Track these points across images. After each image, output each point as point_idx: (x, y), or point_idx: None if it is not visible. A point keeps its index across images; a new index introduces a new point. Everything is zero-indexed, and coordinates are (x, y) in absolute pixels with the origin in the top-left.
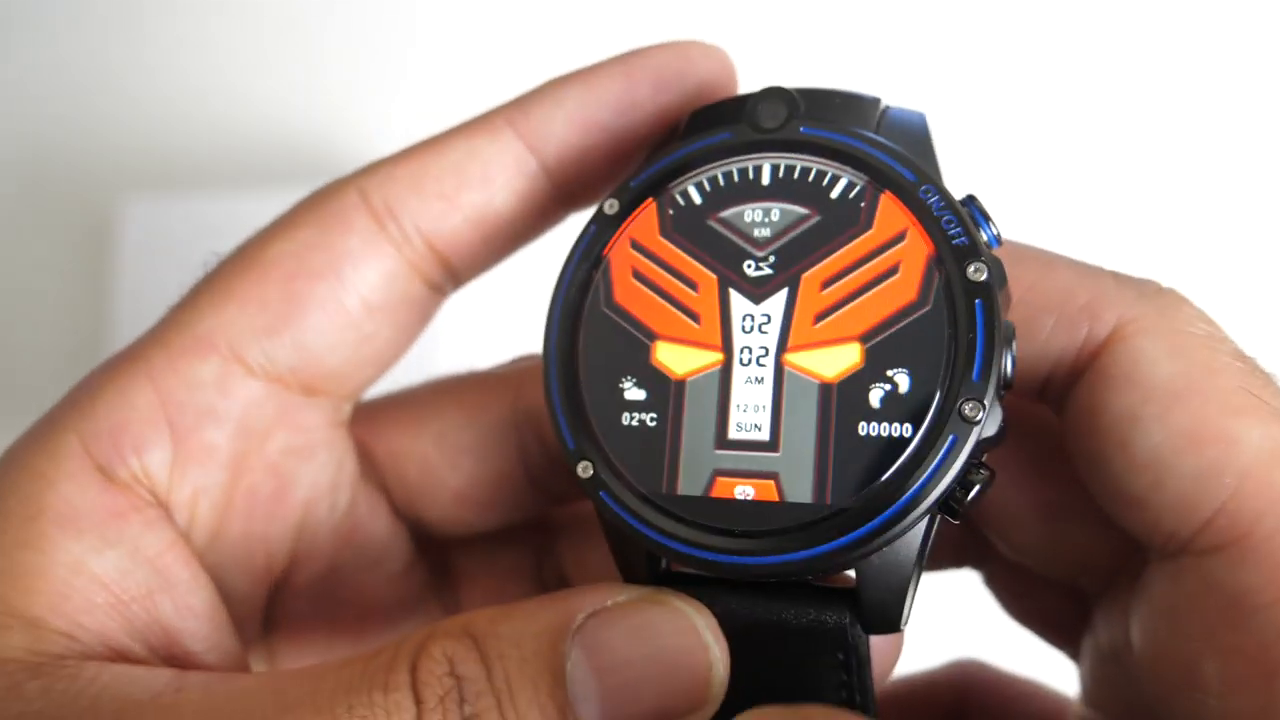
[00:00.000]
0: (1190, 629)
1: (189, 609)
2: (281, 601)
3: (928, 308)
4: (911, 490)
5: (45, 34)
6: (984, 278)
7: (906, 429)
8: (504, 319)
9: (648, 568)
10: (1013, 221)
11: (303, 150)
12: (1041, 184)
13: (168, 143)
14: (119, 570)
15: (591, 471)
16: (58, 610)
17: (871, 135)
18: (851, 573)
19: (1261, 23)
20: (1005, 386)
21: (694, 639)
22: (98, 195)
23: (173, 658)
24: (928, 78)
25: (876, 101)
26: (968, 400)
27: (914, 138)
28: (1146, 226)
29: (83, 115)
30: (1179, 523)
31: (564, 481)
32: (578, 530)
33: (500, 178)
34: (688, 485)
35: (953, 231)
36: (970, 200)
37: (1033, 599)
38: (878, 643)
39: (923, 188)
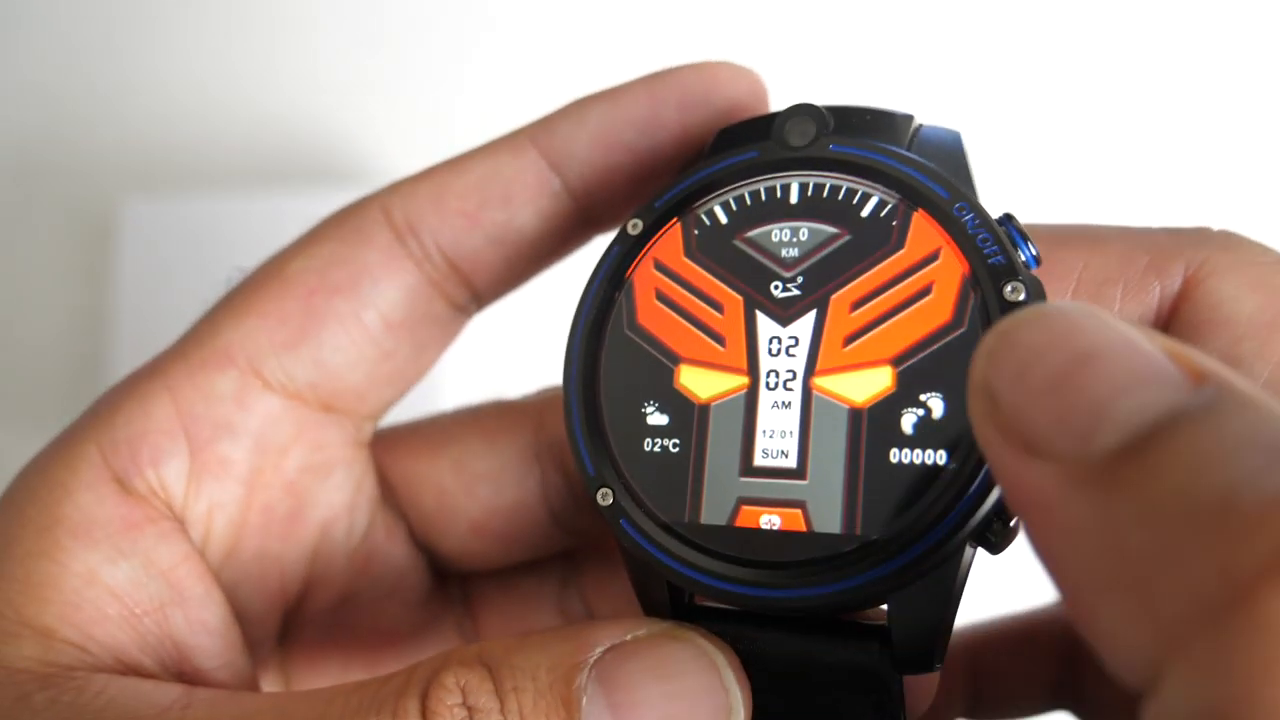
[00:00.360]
0: None
1: (201, 624)
2: (296, 625)
3: (963, 329)
4: (947, 521)
5: (44, 34)
6: (1021, 298)
7: (941, 456)
8: (516, 348)
9: (670, 600)
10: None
11: (303, 150)
12: (1070, 196)
13: (168, 143)
14: (132, 582)
15: (611, 499)
16: (69, 621)
17: (903, 152)
18: (884, 607)
19: None
20: None
21: (714, 679)
22: (98, 195)
23: (183, 674)
24: (958, 94)
25: (909, 118)
26: None
27: (948, 155)
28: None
29: (83, 115)
30: None
31: (586, 518)
32: (601, 560)
33: (522, 196)
34: (711, 514)
35: (989, 250)
36: (1007, 219)
37: None
38: (912, 679)
39: (957, 205)
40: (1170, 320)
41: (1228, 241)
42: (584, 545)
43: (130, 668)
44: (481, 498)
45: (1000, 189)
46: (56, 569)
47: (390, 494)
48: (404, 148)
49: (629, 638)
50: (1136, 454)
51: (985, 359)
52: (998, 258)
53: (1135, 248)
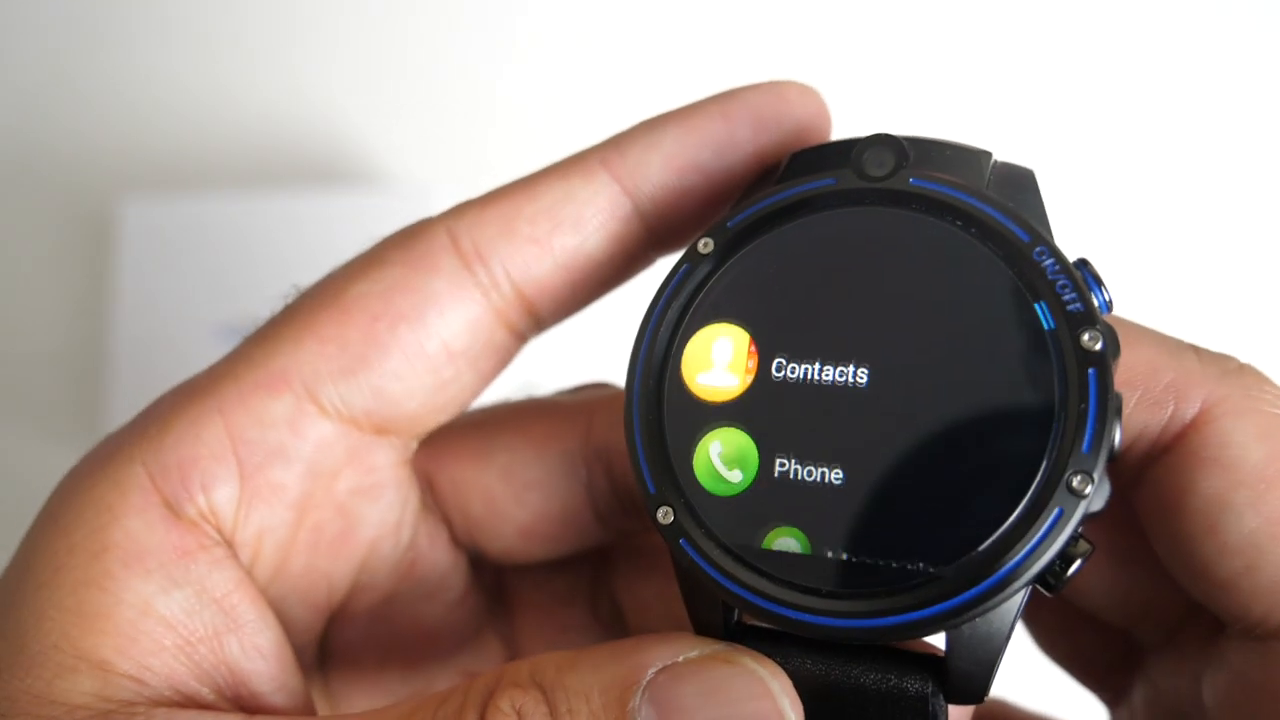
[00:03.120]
0: None
1: (256, 649)
2: (337, 629)
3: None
4: (1012, 563)
5: (44, 34)
6: (1099, 347)
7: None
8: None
9: (722, 618)
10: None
11: (302, 150)
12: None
13: (167, 143)
14: (186, 611)
15: (672, 518)
16: (125, 653)
17: (984, 191)
18: (937, 639)
19: None
20: (1112, 459)
21: (769, 705)
22: (97, 195)
23: (240, 699)
24: (980, 118)
25: (988, 155)
26: (1077, 473)
27: (1024, 195)
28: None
29: (82, 115)
30: (1272, 608)
31: (632, 520)
32: (632, 558)
33: (594, 221)
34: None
35: (1067, 297)
36: (1083, 264)
37: (1077, 639)
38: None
39: (1036, 249)
40: (1174, 446)
41: (1249, 382)
42: (617, 543)
43: (189, 699)
44: (530, 504)
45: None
46: (110, 599)
47: (435, 498)
48: (405, 148)
49: (682, 659)
50: None
51: None
52: (1076, 305)
53: (1163, 361)
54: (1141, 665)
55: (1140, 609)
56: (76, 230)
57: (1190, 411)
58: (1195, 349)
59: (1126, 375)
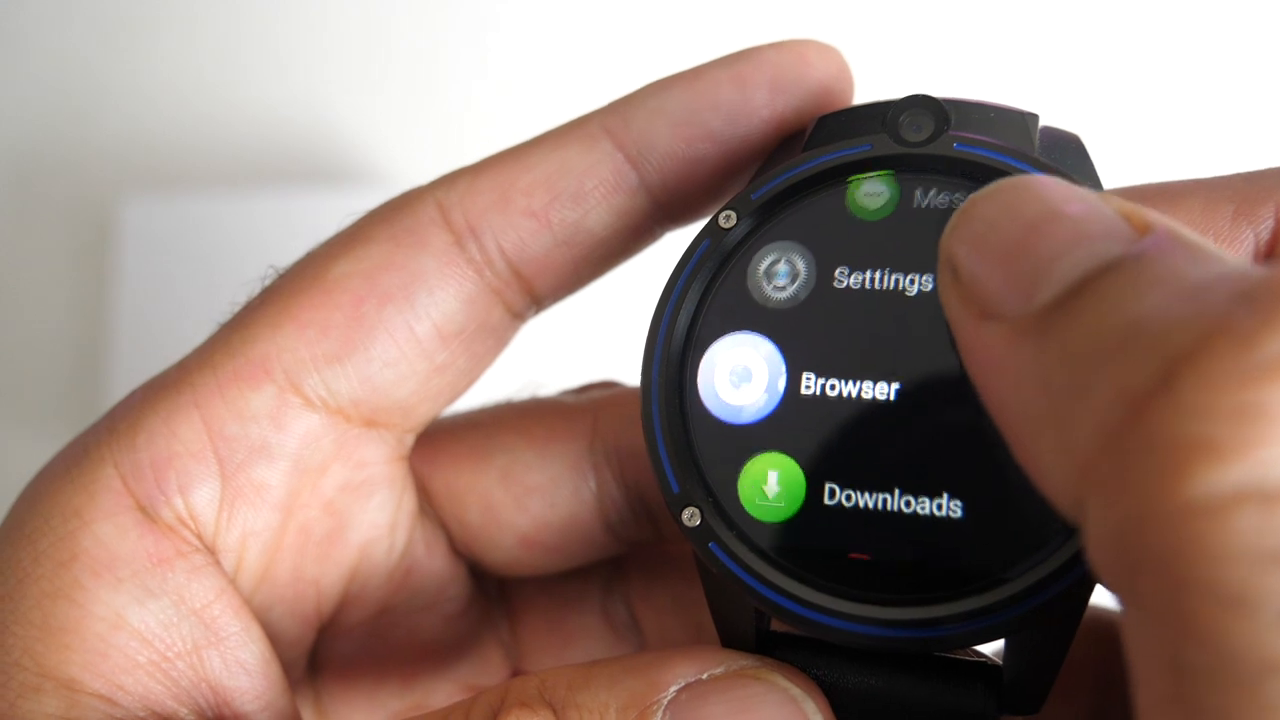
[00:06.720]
0: None
1: (240, 664)
2: (328, 641)
3: None
4: (1079, 564)
5: (44, 33)
6: None
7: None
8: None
9: (753, 626)
10: None
11: (304, 149)
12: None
13: (168, 143)
14: (162, 624)
15: (700, 520)
16: (95, 670)
17: (1036, 156)
18: (988, 648)
19: None
20: None
21: None
22: (97, 195)
23: (222, 719)
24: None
25: (1035, 118)
26: None
27: (1075, 160)
28: None
29: (82, 115)
30: None
31: (646, 530)
32: (647, 564)
33: (596, 193)
34: (818, 540)
35: None
36: None
37: None
38: None
39: None
40: (1268, 262)
41: None
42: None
43: (164, 719)
44: (532, 511)
45: None
46: (78, 611)
47: (431, 505)
48: (409, 147)
49: (706, 676)
50: (1067, 302)
51: (949, 232)
52: None
53: (1217, 197)
54: None
55: None
56: (76, 230)
57: (1267, 227)
58: (1234, 176)
59: (1191, 227)
